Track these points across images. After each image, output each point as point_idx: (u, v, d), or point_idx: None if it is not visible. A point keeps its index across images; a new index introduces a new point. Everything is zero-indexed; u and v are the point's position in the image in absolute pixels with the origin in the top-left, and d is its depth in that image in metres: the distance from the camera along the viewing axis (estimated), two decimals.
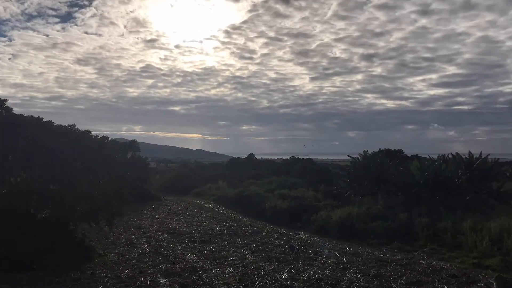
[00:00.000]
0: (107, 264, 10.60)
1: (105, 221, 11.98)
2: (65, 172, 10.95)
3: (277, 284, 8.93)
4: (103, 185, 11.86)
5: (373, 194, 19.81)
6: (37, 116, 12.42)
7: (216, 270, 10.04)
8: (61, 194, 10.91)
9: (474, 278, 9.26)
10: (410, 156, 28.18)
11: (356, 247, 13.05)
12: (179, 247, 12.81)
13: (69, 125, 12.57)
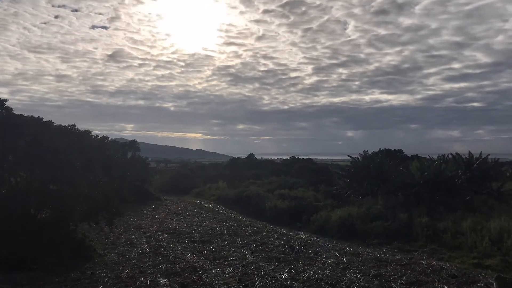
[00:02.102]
0: (107, 264, 10.61)
1: (105, 221, 12.00)
2: (65, 172, 10.95)
3: (277, 284, 8.93)
4: (103, 185, 11.87)
5: (373, 194, 19.79)
6: (37, 116, 12.41)
7: (216, 270, 10.04)
8: (61, 194, 10.91)
9: (474, 278, 9.26)
10: (410, 156, 28.20)
11: (356, 247, 13.05)
12: (179, 247, 12.81)
13: (69, 125, 12.56)
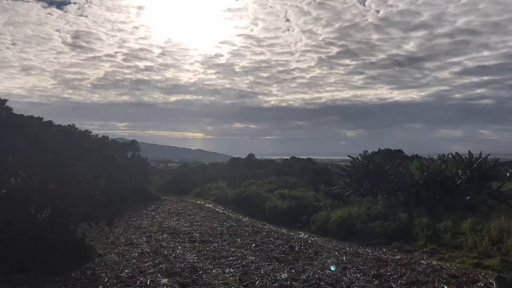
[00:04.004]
0: (107, 264, 10.61)
1: (105, 221, 11.99)
2: (65, 172, 10.96)
3: (277, 284, 8.94)
4: (103, 185, 11.87)
5: (373, 194, 19.80)
6: (36, 116, 12.43)
7: (216, 270, 10.04)
8: (61, 194, 10.91)
9: (474, 278, 9.26)
10: (410, 156, 28.26)
11: (356, 247, 13.05)
12: (179, 247, 12.81)
13: (69, 125, 12.58)
